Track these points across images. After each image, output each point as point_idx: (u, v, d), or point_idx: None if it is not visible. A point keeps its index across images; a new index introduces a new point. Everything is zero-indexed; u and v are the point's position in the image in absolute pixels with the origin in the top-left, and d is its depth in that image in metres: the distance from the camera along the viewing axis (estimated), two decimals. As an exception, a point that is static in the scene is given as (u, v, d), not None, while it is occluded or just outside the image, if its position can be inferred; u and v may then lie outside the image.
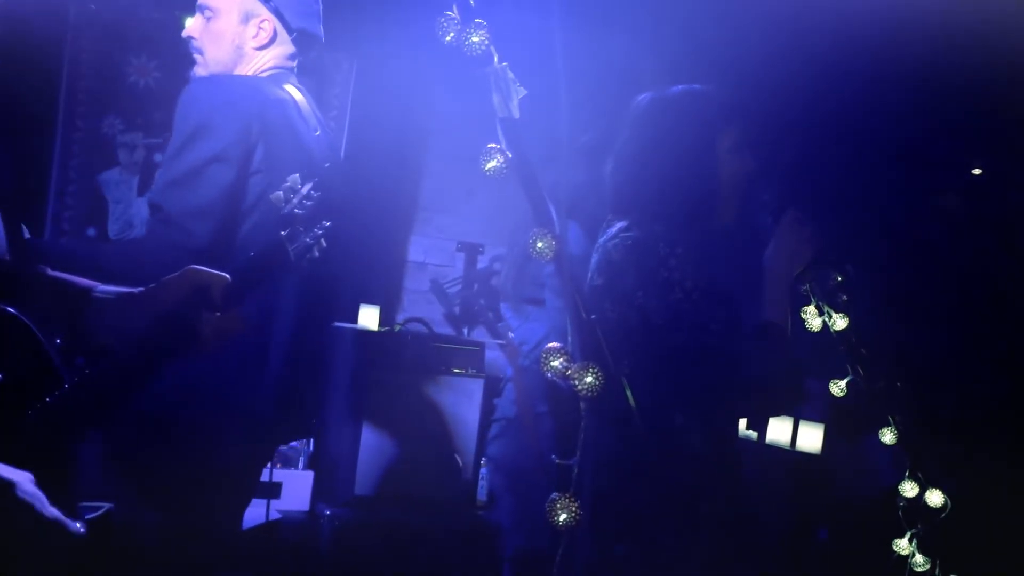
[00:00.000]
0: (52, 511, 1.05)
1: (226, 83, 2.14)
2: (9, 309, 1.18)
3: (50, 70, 3.93)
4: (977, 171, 4.41)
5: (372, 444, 3.69)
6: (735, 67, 3.13)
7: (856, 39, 3.36)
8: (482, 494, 3.79)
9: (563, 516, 1.42)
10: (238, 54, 2.18)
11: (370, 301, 4.03)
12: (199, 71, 2.21)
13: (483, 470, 3.79)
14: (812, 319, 2.18)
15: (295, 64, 2.27)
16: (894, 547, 2.31)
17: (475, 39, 1.40)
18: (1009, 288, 3.72)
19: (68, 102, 3.99)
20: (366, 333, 3.91)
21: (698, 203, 1.90)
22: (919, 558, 2.28)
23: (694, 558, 1.83)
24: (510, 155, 1.41)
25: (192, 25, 2.20)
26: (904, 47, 3.35)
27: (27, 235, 2.20)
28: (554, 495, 1.40)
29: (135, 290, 1.38)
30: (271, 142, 2.02)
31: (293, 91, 2.19)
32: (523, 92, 1.45)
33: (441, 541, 3.68)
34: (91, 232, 4.04)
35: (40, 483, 1.08)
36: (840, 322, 2.18)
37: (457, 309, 4.49)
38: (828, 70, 3.59)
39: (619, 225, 1.92)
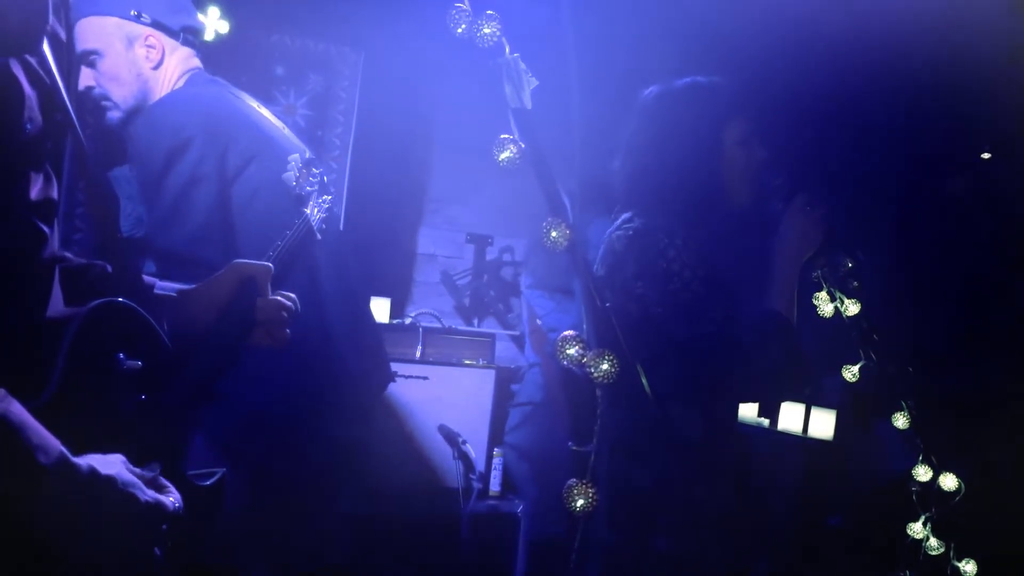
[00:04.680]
0: (151, 494, 1.09)
1: (167, 106, 2.05)
2: (125, 300, 1.23)
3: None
4: (986, 155, 4.39)
5: (383, 437, 3.71)
6: (747, 56, 3.12)
7: (867, 28, 3.35)
8: (495, 484, 3.79)
9: (580, 502, 1.43)
10: (142, 81, 2.09)
11: (380, 293, 4.04)
12: (113, 115, 2.11)
13: (496, 460, 3.79)
14: (824, 305, 2.18)
15: (199, 63, 2.20)
16: (908, 531, 2.31)
17: (487, 30, 1.41)
18: (1019, 270, 3.71)
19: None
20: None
21: (702, 195, 1.90)
22: (933, 541, 2.29)
23: (707, 545, 1.84)
24: (523, 145, 1.42)
25: (84, 77, 2.08)
26: (914, 35, 3.34)
27: None
28: (571, 481, 1.41)
29: (189, 287, 1.48)
30: (234, 135, 2.01)
31: (216, 81, 2.16)
32: (535, 83, 1.46)
33: (451, 533, 3.70)
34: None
35: (154, 462, 1.14)
36: (852, 307, 2.18)
37: (467, 300, 4.51)
38: (839, 57, 3.58)
39: (624, 216, 1.93)
